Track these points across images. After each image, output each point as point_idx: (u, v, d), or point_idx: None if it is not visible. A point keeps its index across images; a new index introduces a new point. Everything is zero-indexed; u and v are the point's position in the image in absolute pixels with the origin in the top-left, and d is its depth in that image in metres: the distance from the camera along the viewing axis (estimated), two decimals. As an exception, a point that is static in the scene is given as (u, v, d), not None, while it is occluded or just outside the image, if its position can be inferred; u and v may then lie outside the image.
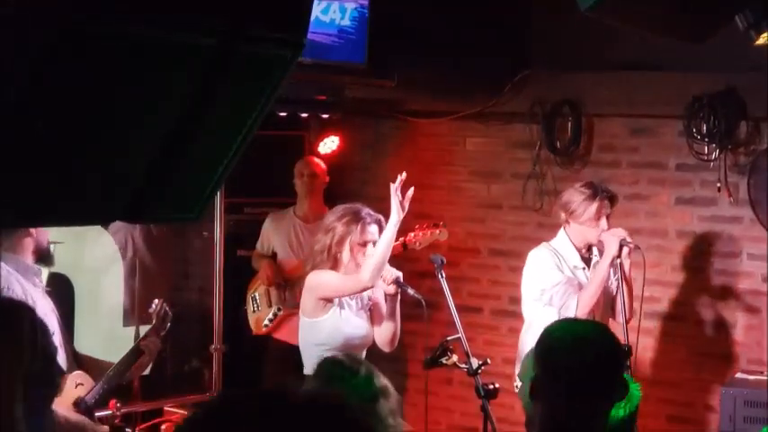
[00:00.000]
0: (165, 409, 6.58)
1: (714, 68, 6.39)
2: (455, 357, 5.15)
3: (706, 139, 6.52)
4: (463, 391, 6.44)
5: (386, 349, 5.56)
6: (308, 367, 5.39)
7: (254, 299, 6.98)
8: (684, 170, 6.77)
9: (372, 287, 5.33)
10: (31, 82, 1.76)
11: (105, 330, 6.70)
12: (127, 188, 2.03)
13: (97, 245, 7.00)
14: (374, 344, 5.53)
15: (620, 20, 3.67)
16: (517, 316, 7.04)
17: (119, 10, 1.79)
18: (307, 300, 5.44)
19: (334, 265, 5.36)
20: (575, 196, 5.86)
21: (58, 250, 6.38)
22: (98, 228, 6.65)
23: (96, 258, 7.00)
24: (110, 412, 4.93)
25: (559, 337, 2.99)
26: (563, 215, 5.89)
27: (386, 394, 3.54)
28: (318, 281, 5.37)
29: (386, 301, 5.46)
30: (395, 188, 5.28)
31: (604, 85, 6.89)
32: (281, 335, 6.93)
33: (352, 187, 7.69)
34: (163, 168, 2.06)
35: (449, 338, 5.18)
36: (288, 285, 6.93)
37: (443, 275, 5.39)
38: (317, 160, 7.19)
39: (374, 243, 5.31)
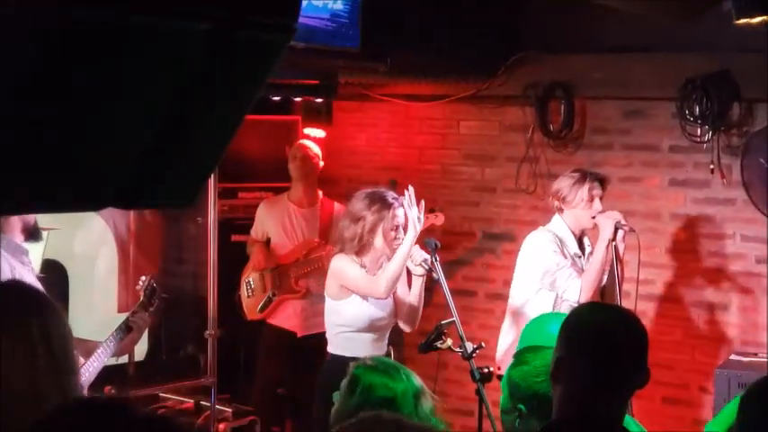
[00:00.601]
0: (160, 395, 6.59)
1: (707, 50, 6.39)
2: (450, 341, 5.16)
3: (699, 121, 6.52)
4: (458, 374, 6.45)
5: (407, 329, 5.68)
6: (333, 346, 5.54)
7: (248, 284, 6.97)
8: (677, 152, 6.78)
9: (386, 298, 5.44)
10: (25, 69, 1.76)
11: (100, 315, 6.70)
12: (120, 174, 2.03)
13: (88, 230, 7.01)
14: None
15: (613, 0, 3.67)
16: (511, 299, 7.07)
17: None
18: (331, 283, 5.55)
19: (364, 249, 5.46)
20: (564, 182, 5.90)
21: (50, 236, 6.39)
22: (92, 213, 6.65)
23: (88, 243, 7.00)
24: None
25: (589, 320, 3.00)
26: (556, 203, 5.93)
27: (425, 392, 3.57)
28: (342, 271, 5.48)
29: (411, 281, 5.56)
30: (408, 202, 5.37)
31: (597, 67, 6.89)
32: (275, 320, 6.94)
33: (345, 172, 7.69)
34: (156, 154, 2.06)
35: (443, 322, 5.19)
36: (281, 270, 6.92)
37: (437, 259, 5.40)
38: (309, 143, 7.15)
39: (403, 226, 5.42)
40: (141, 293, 5.21)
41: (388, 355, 5.61)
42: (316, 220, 6.99)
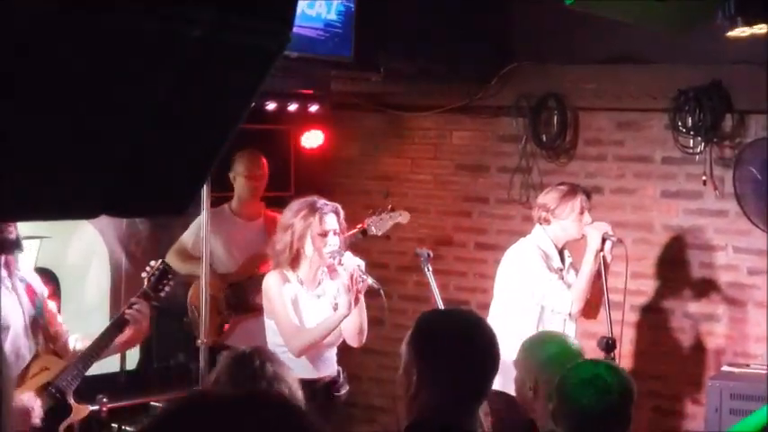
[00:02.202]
0: (151, 404, 6.57)
1: (700, 62, 6.41)
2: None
3: (692, 133, 6.54)
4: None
5: (354, 344, 5.37)
6: None
7: (196, 308, 6.33)
8: (670, 163, 6.79)
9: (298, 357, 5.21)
10: (10, 71, 1.75)
11: (93, 324, 6.68)
12: (110, 181, 2.02)
13: (80, 239, 6.99)
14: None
15: (605, 12, 3.68)
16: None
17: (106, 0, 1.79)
18: (265, 302, 5.39)
19: (297, 261, 5.30)
20: (552, 195, 5.90)
21: (43, 245, 6.38)
22: (84, 222, 6.63)
23: (80, 251, 6.98)
24: (96, 408, 4.90)
25: (579, 377, 3.16)
26: (543, 214, 5.89)
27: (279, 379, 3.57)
28: (270, 297, 5.29)
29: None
30: (348, 282, 5.08)
31: (590, 78, 6.90)
32: (233, 341, 6.25)
33: (338, 182, 7.68)
34: (147, 161, 2.06)
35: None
36: (235, 289, 6.49)
37: (430, 269, 5.40)
38: (263, 160, 6.80)
39: (334, 232, 5.24)
40: (146, 281, 4.97)
41: (337, 376, 5.44)
42: (263, 233, 6.51)
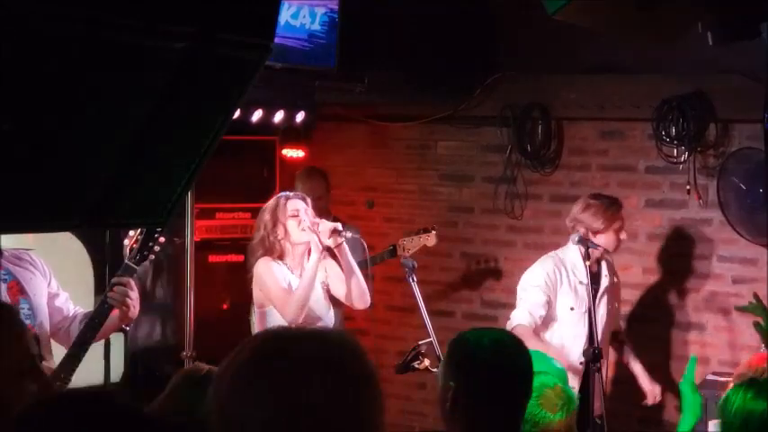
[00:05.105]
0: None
1: (683, 71, 6.43)
2: (427, 362, 5.14)
3: (675, 142, 6.55)
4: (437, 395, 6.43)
5: (359, 306, 5.55)
6: None
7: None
8: (654, 173, 6.80)
9: (298, 320, 5.31)
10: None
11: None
12: (91, 193, 2.01)
13: (67, 250, 6.95)
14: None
15: (588, 22, 3.69)
16: (489, 319, 7.06)
17: (90, 14, 1.78)
18: (255, 290, 5.50)
19: (273, 250, 5.44)
20: (595, 209, 5.77)
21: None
22: (68, 234, 6.61)
23: (65, 263, 6.94)
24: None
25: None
26: (582, 230, 5.74)
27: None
28: (261, 277, 5.43)
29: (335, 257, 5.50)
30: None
31: (574, 88, 6.92)
32: None
33: (323, 192, 7.66)
34: (129, 173, 2.05)
35: (420, 342, 5.17)
36: None
37: (415, 279, 5.40)
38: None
39: (304, 211, 5.41)
40: (127, 252, 4.61)
41: None
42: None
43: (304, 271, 5.40)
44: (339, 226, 5.41)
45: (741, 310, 4.76)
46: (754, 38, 3.57)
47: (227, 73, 2.14)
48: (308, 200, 5.54)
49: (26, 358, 2.44)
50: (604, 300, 5.85)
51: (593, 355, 5.38)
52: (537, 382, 3.15)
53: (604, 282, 5.85)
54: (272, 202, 5.53)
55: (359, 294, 5.50)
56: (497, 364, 3.00)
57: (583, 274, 5.62)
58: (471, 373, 2.99)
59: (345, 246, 5.45)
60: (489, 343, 3.09)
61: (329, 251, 5.52)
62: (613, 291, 5.96)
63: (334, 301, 5.61)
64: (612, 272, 5.98)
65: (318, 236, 5.34)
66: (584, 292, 5.67)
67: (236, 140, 6.96)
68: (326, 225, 5.40)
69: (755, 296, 5.27)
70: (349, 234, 5.39)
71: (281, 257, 5.47)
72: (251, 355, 1.69)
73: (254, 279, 5.50)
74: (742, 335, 6.49)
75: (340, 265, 5.52)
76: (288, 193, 5.60)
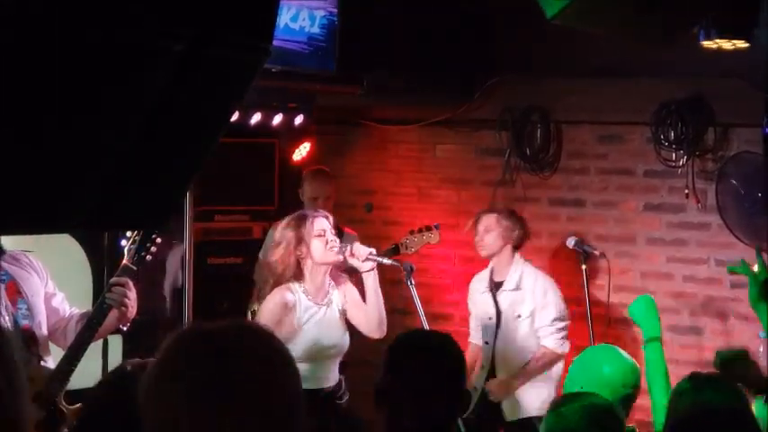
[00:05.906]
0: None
1: (682, 75, 6.43)
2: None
3: (674, 146, 6.56)
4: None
5: (375, 335, 5.39)
6: None
7: (254, 313, 6.66)
8: (652, 177, 6.80)
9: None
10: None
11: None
12: (90, 195, 2.01)
13: (66, 252, 6.95)
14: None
15: (586, 25, 3.69)
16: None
17: (88, 15, 1.78)
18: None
19: (300, 271, 5.28)
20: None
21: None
22: (66, 236, 6.60)
23: (64, 265, 6.94)
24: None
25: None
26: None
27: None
28: (263, 306, 5.32)
29: (361, 280, 5.37)
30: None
31: (573, 91, 6.92)
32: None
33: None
34: (127, 175, 2.05)
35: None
36: None
37: (413, 283, 5.39)
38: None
39: (331, 231, 5.26)
40: (125, 253, 4.66)
41: (338, 384, 5.46)
42: None
43: (367, 291, 5.31)
44: (375, 251, 5.30)
45: (732, 271, 4.79)
46: (749, 41, 3.59)
47: (226, 75, 2.14)
48: (331, 219, 5.38)
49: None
50: None
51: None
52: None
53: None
54: (295, 218, 5.34)
55: (378, 324, 5.37)
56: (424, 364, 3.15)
57: None
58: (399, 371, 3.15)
59: (376, 271, 5.34)
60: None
61: (348, 273, 5.45)
62: None
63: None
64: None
65: (347, 259, 5.25)
66: None
67: (236, 143, 6.96)
68: (361, 249, 5.28)
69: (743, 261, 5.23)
70: (387, 261, 5.34)
71: (297, 278, 5.29)
72: (174, 351, 1.87)
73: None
74: (740, 339, 6.48)
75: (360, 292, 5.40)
76: (311, 211, 5.46)
